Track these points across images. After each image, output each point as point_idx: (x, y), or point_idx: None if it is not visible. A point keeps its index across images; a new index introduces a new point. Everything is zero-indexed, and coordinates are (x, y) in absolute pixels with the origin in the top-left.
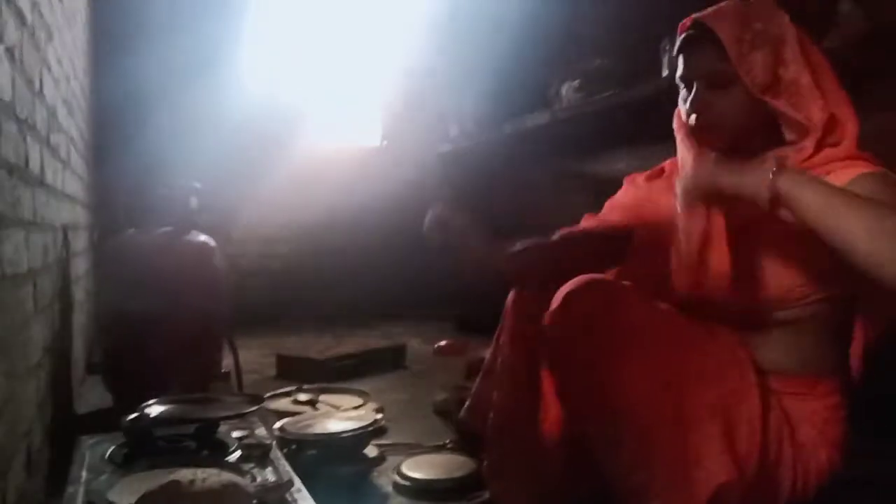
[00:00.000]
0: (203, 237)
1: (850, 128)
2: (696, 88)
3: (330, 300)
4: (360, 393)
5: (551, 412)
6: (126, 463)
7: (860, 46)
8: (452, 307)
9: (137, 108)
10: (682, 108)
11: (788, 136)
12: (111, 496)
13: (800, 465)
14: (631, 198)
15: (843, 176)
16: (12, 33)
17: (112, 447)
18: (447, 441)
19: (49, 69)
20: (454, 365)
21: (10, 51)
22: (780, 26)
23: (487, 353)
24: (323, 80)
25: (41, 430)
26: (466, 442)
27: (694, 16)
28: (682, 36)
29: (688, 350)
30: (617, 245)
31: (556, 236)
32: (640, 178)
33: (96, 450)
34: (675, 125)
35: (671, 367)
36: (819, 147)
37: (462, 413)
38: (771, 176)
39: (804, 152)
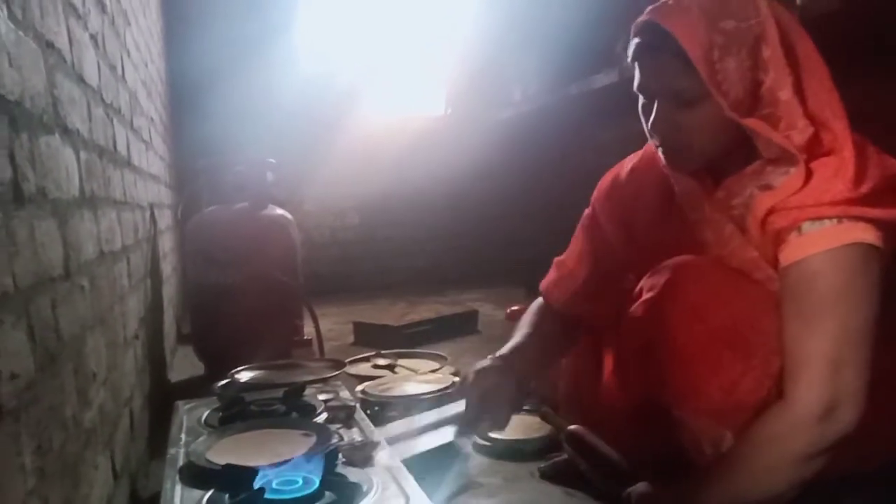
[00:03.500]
0: (279, 210)
1: (837, 126)
2: (659, 106)
3: (400, 268)
4: (436, 357)
5: (614, 380)
6: (221, 425)
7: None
8: (522, 273)
9: (207, 89)
10: (643, 122)
11: (767, 153)
12: (210, 456)
13: None
14: (592, 237)
15: (795, 251)
16: (94, 20)
17: (207, 411)
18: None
19: (129, 54)
20: None
21: (94, 37)
22: (758, 18)
23: None
24: (386, 50)
25: (141, 397)
26: (542, 404)
27: (649, 13)
28: (637, 41)
29: None
30: None
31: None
32: (602, 199)
33: (192, 414)
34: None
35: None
36: (810, 159)
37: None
38: None
39: (795, 182)
